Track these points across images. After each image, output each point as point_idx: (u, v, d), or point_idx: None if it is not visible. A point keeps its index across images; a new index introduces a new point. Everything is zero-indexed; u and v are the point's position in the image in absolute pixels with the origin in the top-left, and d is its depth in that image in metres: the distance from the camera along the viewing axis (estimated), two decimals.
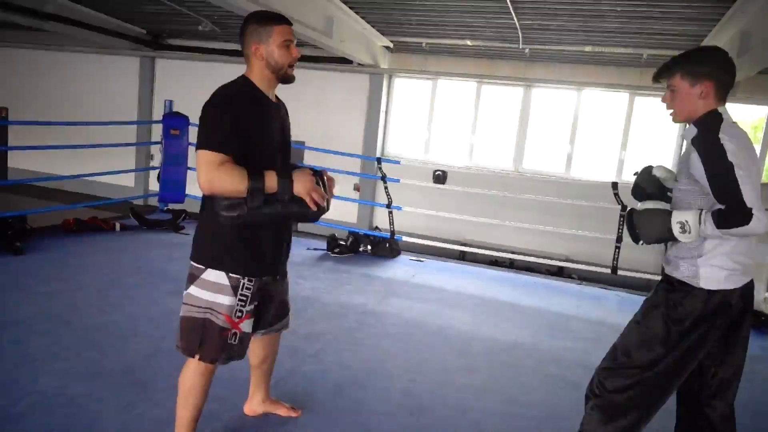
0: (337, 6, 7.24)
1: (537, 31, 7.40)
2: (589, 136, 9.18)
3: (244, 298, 2.03)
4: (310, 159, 9.15)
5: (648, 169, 2.25)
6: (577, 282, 6.31)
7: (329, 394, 2.88)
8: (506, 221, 6.89)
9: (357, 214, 10.07)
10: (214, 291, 2.00)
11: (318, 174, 1.99)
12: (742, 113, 8.94)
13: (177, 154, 6.27)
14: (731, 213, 1.80)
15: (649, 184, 2.22)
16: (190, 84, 11.15)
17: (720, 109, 1.96)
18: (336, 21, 7.47)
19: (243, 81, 2.05)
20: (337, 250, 6.06)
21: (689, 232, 1.87)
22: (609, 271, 5.79)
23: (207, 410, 2.21)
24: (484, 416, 2.84)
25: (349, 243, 6.21)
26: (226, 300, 2.00)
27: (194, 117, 6.96)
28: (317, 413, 2.67)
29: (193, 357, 2.05)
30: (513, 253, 6.99)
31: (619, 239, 5.72)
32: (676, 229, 1.90)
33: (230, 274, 2.00)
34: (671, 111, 2.07)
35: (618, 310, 5.18)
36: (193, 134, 6.70)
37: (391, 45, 9.38)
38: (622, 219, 5.77)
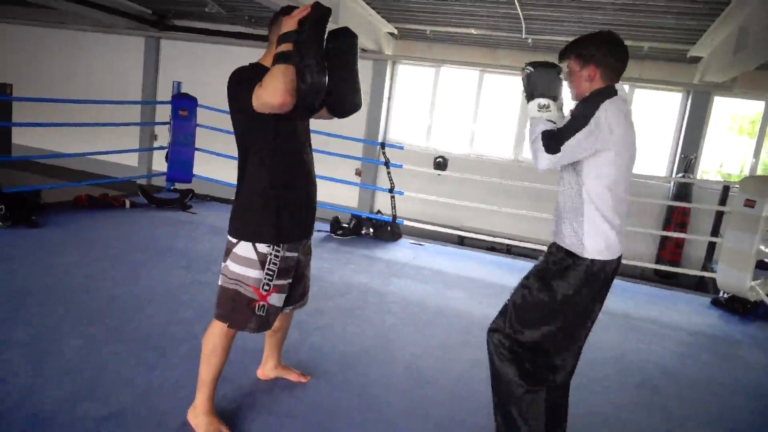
0: None
1: (539, 21, 7.53)
2: None
3: (272, 272, 2.18)
4: (313, 142, 9.29)
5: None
6: None
7: (336, 365, 3.06)
8: (504, 208, 7.06)
9: (358, 198, 10.24)
10: (243, 265, 2.16)
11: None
12: (739, 107, 9.11)
13: (185, 135, 6.41)
14: (555, 138, 1.99)
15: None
16: (195, 65, 11.24)
17: (617, 86, 2.07)
18: (342, 6, 7.57)
19: (258, 66, 2.17)
20: (339, 232, 6.23)
21: (542, 112, 2.10)
22: None
23: (222, 374, 2.39)
24: (483, 386, 3.02)
25: (351, 226, 6.38)
26: (253, 273, 2.16)
27: (199, 98, 7.09)
28: (324, 381, 2.85)
29: (225, 323, 2.21)
30: (510, 239, 7.16)
31: None
32: (541, 104, 2.11)
33: (258, 249, 2.15)
34: (572, 91, 2.18)
35: (610, 295, 5.35)
36: (201, 115, 6.88)
37: (395, 32, 9.49)
38: None
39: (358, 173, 10.23)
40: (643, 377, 3.48)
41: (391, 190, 6.69)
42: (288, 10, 2.11)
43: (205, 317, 3.40)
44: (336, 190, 8.88)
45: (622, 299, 5.26)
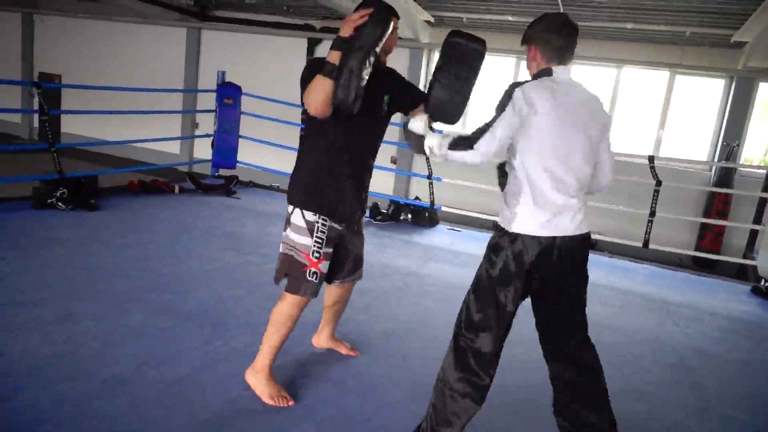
0: None
1: (579, 7, 7.49)
2: (627, 113, 9.25)
3: (320, 240, 2.34)
4: None
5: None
6: (608, 255, 6.51)
7: (379, 340, 3.23)
8: None
9: (393, 186, 10.38)
10: (296, 232, 2.34)
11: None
12: None
13: (230, 122, 6.64)
14: (466, 140, 1.98)
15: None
16: (235, 55, 11.52)
17: (555, 68, 2.02)
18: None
19: (321, 59, 2.23)
20: (379, 218, 6.39)
21: (434, 154, 2.08)
22: (640, 245, 5.99)
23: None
24: (515, 362, 3.16)
25: (390, 211, 6.54)
26: (305, 240, 2.33)
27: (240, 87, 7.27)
28: (369, 354, 3.02)
29: (278, 284, 2.41)
30: None
31: (652, 213, 5.91)
32: (427, 151, 2.10)
33: (307, 217, 2.32)
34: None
35: (646, 282, 5.40)
36: (245, 103, 7.11)
37: (431, 19, 9.54)
38: (656, 194, 5.94)
39: (393, 161, 10.36)
40: (678, 358, 3.55)
41: (429, 177, 6.81)
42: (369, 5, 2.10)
43: (255, 293, 3.62)
44: (373, 177, 9.04)
45: (659, 285, 5.30)
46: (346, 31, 2.06)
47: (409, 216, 6.59)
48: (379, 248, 5.25)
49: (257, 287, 3.74)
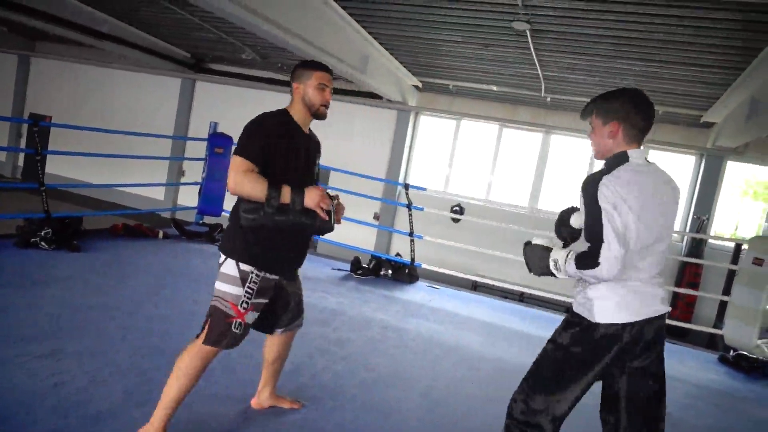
0: (373, 46, 7.82)
1: (558, 82, 7.94)
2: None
3: (251, 291, 2.30)
4: (335, 181, 9.68)
5: (565, 214, 2.31)
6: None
7: (358, 389, 3.27)
8: (518, 256, 7.26)
9: (375, 241, 10.52)
10: (226, 282, 2.30)
11: (330, 196, 2.31)
12: (753, 172, 9.36)
13: (219, 171, 6.78)
14: (588, 255, 1.90)
15: (562, 229, 2.30)
16: (227, 106, 11.82)
17: (631, 152, 1.98)
18: (371, 59, 8.04)
19: (282, 112, 2.44)
20: (359, 272, 6.48)
21: (560, 270, 2.01)
22: None
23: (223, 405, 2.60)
24: (492, 419, 3.22)
25: (371, 266, 6.64)
26: (235, 290, 2.29)
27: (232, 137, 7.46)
28: (348, 403, 3.06)
29: (197, 337, 2.29)
30: (524, 286, 7.35)
31: None
32: (551, 266, 2.02)
33: (241, 267, 2.29)
34: (593, 148, 2.12)
35: None
36: None
37: (419, 84, 9.97)
38: None
39: (377, 218, 10.55)
40: None
41: (411, 234, 6.96)
42: (308, 64, 2.44)
43: None
44: (355, 231, 9.18)
45: None
46: (309, 201, 2.23)
47: (390, 272, 6.69)
48: (359, 302, 5.32)
49: None
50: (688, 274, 8.73)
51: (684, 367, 5.15)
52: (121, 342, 3.30)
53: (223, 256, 2.36)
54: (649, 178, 1.96)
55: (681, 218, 9.28)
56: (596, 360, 1.99)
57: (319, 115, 2.47)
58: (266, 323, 2.55)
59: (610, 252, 1.84)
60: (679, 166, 9.36)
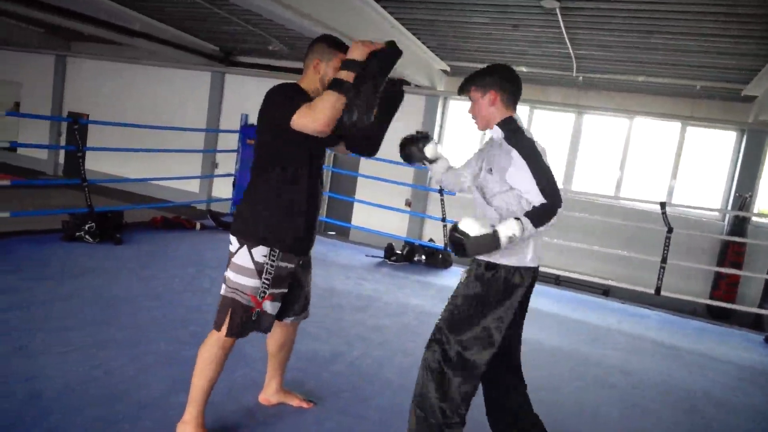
0: (400, 31, 7.77)
1: (591, 60, 7.75)
2: (639, 162, 9.40)
3: (268, 281, 2.24)
4: (365, 168, 9.70)
5: (421, 142, 2.64)
6: (620, 301, 6.54)
7: (395, 375, 3.31)
8: (554, 239, 7.19)
9: (407, 228, 10.53)
10: (241, 273, 2.23)
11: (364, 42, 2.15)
12: None
13: (251, 162, 6.87)
14: (548, 210, 2.07)
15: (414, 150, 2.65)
16: (257, 98, 11.88)
17: (515, 116, 2.25)
18: (398, 45, 7.99)
19: (297, 87, 2.28)
20: (393, 259, 6.51)
21: (516, 241, 2.06)
22: (653, 291, 6.03)
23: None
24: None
25: (404, 252, 6.66)
26: (251, 282, 2.22)
27: None
28: (386, 389, 3.10)
29: (219, 330, 2.24)
30: (559, 269, 7.28)
31: (663, 260, 5.97)
32: (505, 243, 2.04)
33: (256, 257, 2.21)
34: (474, 120, 2.33)
35: (658, 328, 5.43)
36: None
37: (448, 69, 9.88)
38: (667, 240, 6.02)
39: (408, 204, 10.55)
40: (690, 404, 3.57)
41: (443, 219, 6.95)
42: (334, 43, 2.28)
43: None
44: (387, 217, 9.21)
45: (671, 332, 5.33)
46: (358, 54, 2.10)
47: (423, 257, 6.70)
48: (394, 288, 5.35)
49: None
50: (730, 253, 8.48)
51: (728, 348, 5.04)
52: (164, 332, 3.41)
53: (236, 243, 2.25)
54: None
55: (722, 196, 9.02)
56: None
57: None
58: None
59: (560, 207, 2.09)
60: (720, 143, 9.08)
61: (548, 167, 2.12)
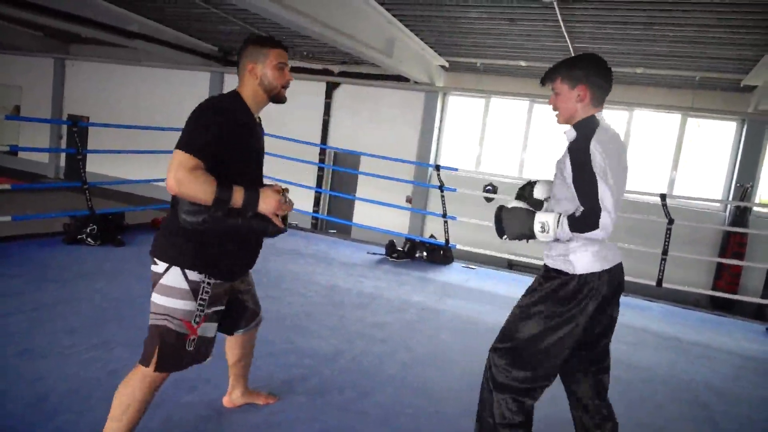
0: (398, 28, 7.77)
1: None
2: (639, 154, 9.39)
3: (203, 303, 2.00)
4: (366, 166, 9.69)
5: (528, 187, 2.40)
6: (622, 293, 6.53)
7: (397, 371, 3.32)
8: None
9: (409, 224, 10.54)
10: (171, 296, 1.95)
11: (283, 191, 1.97)
12: None
13: None
14: (585, 218, 1.95)
15: (526, 198, 2.37)
16: None
17: (597, 115, 2.09)
18: (397, 42, 7.99)
19: (234, 97, 2.09)
20: (395, 255, 6.52)
21: (547, 232, 2.02)
22: (654, 283, 6.03)
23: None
24: None
25: (406, 249, 6.67)
26: (185, 305, 1.96)
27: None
28: (388, 385, 3.11)
29: (147, 365, 1.96)
30: None
31: (665, 252, 5.97)
32: (536, 228, 2.03)
33: (190, 277, 1.96)
34: (556, 113, 2.17)
35: (661, 320, 5.43)
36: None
37: (446, 64, 9.87)
38: (668, 232, 6.02)
39: (409, 201, 10.55)
40: (693, 395, 3.58)
41: (444, 215, 6.95)
42: (263, 41, 2.09)
43: (275, 327, 3.73)
44: (388, 214, 9.21)
45: (673, 323, 5.33)
46: (265, 209, 1.92)
47: (425, 254, 6.71)
48: (395, 284, 5.36)
49: (275, 320, 3.87)
50: (732, 243, 8.48)
51: (731, 338, 5.04)
52: None
53: (162, 265, 1.97)
54: (616, 146, 2.04)
55: (723, 186, 9.00)
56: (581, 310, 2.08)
57: (279, 98, 2.14)
58: (224, 327, 2.29)
59: (609, 217, 1.91)
60: (720, 133, 9.06)
61: (593, 179, 1.93)
